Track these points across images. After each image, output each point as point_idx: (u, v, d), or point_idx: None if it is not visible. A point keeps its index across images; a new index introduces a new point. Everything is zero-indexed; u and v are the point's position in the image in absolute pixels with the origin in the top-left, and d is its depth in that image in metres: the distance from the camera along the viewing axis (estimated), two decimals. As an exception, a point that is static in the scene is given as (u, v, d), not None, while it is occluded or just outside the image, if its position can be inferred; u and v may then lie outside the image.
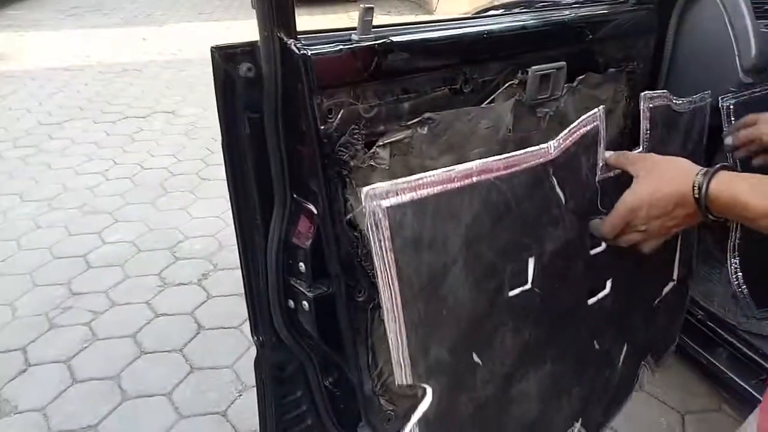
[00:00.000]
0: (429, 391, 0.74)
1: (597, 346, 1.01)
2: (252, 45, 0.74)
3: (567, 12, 1.15)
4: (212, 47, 0.73)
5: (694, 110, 1.08)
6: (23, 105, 4.74)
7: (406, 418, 0.74)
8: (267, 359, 0.95)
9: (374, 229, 0.64)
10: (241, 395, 1.85)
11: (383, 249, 0.65)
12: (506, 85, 0.96)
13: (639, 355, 1.18)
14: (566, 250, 0.86)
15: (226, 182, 0.83)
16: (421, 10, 8.63)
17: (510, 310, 0.81)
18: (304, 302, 0.86)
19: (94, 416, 1.76)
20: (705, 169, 0.77)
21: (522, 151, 0.77)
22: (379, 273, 0.65)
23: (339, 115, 0.76)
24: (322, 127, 0.75)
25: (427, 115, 0.85)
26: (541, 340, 0.88)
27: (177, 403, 1.81)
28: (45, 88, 5.22)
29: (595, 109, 0.86)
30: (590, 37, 1.10)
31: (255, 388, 1.83)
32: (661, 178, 0.80)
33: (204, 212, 3.00)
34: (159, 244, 2.72)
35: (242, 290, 2.42)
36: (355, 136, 0.77)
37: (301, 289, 0.86)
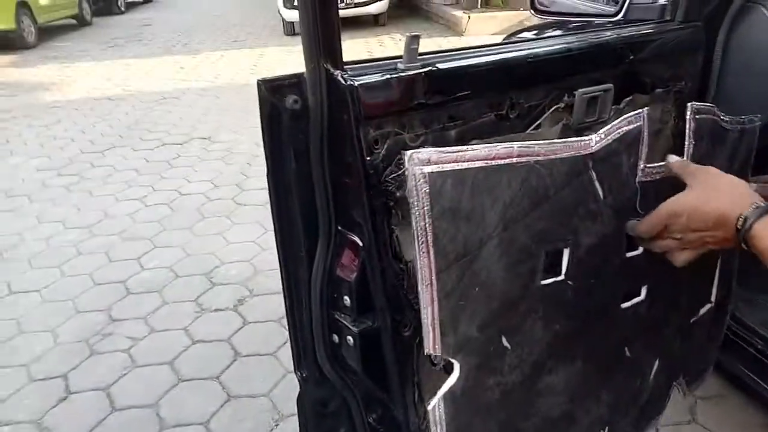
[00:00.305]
0: (456, 366, 0.76)
1: (628, 354, 1.00)
2: (298, 77, 0.73)
3: (610, 33, 1.12)
4: (259, 80, 0.73)
5: (743, 131, 1.05)
6: (67, 134, 4.92)
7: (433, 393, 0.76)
8: (310, 395, 0.93)
9: (414, 193, 0.66)
10: (277, 425, 1.82)
11: (422, 214, 0.67)
12: (552, 109, 0.93)
13: (671, 374, 1.15)
14: (602, 248, 0.86)
15: (270, 214, 0.83)
16: (450, 32, 8.67)
17: (542, 298, 0.82)
18: (349, 337, 0.84)
19: (133, 445, 1.76)
20: (759, 204, 0.75)
21: (563, 140, 0.78)
22: (415, 239, 0.68)
23: (385, 146, 0.75)
24: (368, 158, 0.73)
25: (474, 142, 0.83)
26: (571, 336, 0.88)
27: (214, 432, 1.80)
28: (88, 117, 5.41)
29: (640, 110, 0.85)
30: (636, 57, 1.07)
31: (291, 418, 1.83)
32: (713, 193, 0.79)
33: (240, 237, 3.03)
34: (196, 269, 2.74)
35: (277, 316, 2.41)
36: (401, 167, 0.76)
37: (346, 323, 0.84)
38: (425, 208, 0.68)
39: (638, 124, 0.85)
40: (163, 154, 4.36)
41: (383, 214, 0.76)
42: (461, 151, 0.70)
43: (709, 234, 0.79)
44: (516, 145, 0.74)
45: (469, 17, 8.33)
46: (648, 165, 0.89)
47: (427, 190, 0.68)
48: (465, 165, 0.70)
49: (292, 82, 0.73)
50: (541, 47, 0.96)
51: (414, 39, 0.74)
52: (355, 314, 0.82)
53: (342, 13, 9.67)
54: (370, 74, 0.73)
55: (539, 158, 0.76)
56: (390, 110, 0.74)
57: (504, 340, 0.80)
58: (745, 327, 1.37)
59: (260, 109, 0.74)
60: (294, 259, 0.84)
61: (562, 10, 1.61)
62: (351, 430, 0.97)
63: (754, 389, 1.37)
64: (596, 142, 0.81)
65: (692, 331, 1.15)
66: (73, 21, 11.38)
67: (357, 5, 8.94)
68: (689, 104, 0.91)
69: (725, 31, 1.26)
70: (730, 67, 1.28)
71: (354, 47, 7.97)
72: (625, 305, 0.95)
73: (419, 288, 0.71)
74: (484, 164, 0.72)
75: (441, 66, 0.78)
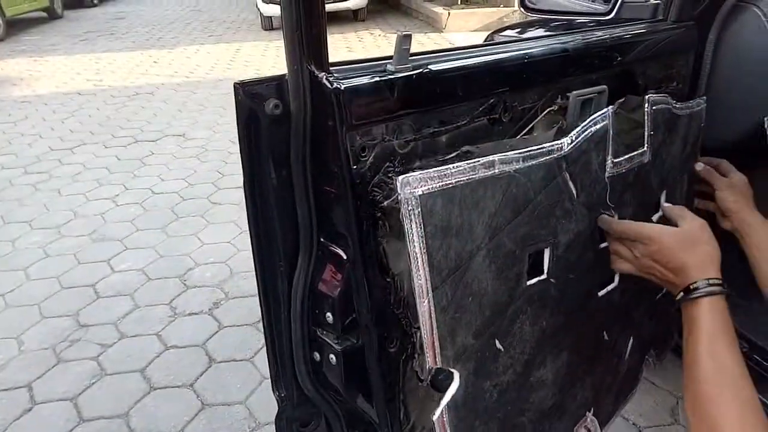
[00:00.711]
0: (456, 375, 0.78)
1: (606, 338, 1.06)
2: (279, 79, 0.68)
3: (603, 33, 1.09)
4: (236, 83, 0.66)
5: (691, 114, 1.12)
6: (35, 130, 4.75)
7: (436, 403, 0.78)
8: (289, 414, 0.87)
9: (408, 217, 0.67)
10: (254, 434, 1.76)
11: (416, 235, 0.68)
12: (545, 112, 0.89)
13: (643, 349, 1.22)
14: (578, 243, 0.91)
15: (248, 227, 0.77)
16: (430, 28, 8.64)
17: (528, 298, 0.85)
18: (331, 355, 0.80)
19: (101, 459, 1.68)
20: (716, 282, 0.81)
21: (538, 146, 0.80)
22: (411, 259, 0.69)
23: (373, 153, 0.69)
24: (355, 167, 0.68)
25: (465, 148, 0.79)
26: (557, 329, 0.92)
27: (188, 443, 1.73)
28: (57, 113, 5.24)
29: (605, 109, 0.89)
30: (630, 57, 1.04)
31: (267, 426, 1.76)
32: (691, 246, 0.85)
33: (215, 238, 2.94)
34: (169, 271, 2.65)
35: (253, 320, 2.34)
36: (390, 175, 0.71)
37: (328, 340, 0.79)
38: (419, 229, 0.68)
39: (605, 123, 0.89)
40: (136, 151, 4.24)
41: (369, 226, 0.71)
42: (447, 170, 0.71)
43: (662, 271, 0.86)
44: (497, 157, 0.75)
45: (449, 13, 8.30)
46: (615, 160, 0.93)
47: (420, 212, 0.68)
48: (452, 182, 0.71)
49: (273, 85, 0.67)
50: (536, 47, 0.91)
51: (405, 39, 0.68)
52: (338, 331, 0.77)
53: (320, 8, 9.73)
54: (358, 76, 0.67)
55: (518, 166, 0.78)
56: (379, 115, 0.69)
57: (497, 343, 0.82)
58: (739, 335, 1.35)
59: (237, 113, 0.68)
60: (272, 272, 0.79)
61: (553, 8, 1.57)
62: (333, 451, 0.92)
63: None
64: (568, 145, 0.84)
65: (658, 305, 1.20)
66: (44, 14, 11.06)
67: (336, 0, 8.84)
68: (646, 97, 0.96)
69: (716, 30, 1.23)
70: (720, 67, 1.26)
71: (333, 43, 7.88)
72: (601, 293, 1.00)
73: (417, 305, 0.71)
74: (469, 179, 0.73)
75: (434, 67, 0.73)
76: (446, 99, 0.76)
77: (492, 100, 0.81)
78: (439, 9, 8.60)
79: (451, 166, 0.71)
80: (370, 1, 9.80)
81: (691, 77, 1.23)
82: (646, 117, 0.97)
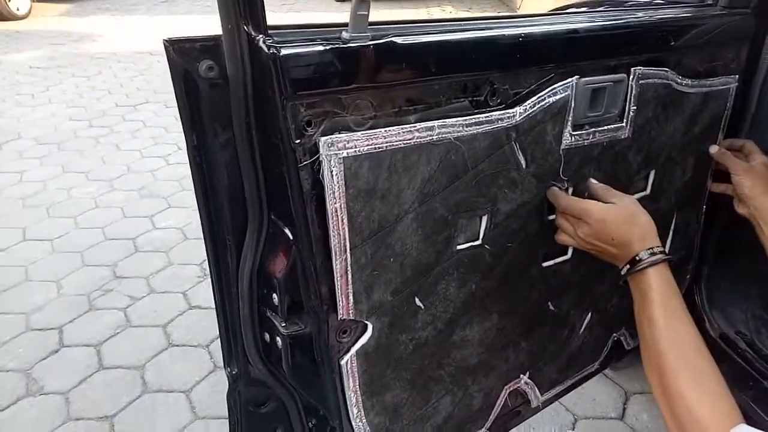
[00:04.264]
0: (369, 326, 0.77)
1: (552, 308, 1.03)
2: (215, 39, 0.62)
3: (640, 14, 0.97)
4: (165, 40, 0.62)
5: (709, 93, 1.04)
6: (105, 86, 4.96)
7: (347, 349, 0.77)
8: (241, 394, 0.85)
9: (329, 177, 0.65)
10: (259, 402, 1.77)
11: (336, 196, 0.66)
12: (540, 96, 0.80)
13: (609, 326, 1.19)
14: (522, 213, 0.88)
15: (195, 199, 0.73)
16: (504, 8, 8.32)
17: (457, 262, 0.84)
18: (278, 338, 0.76)
19: (113, 407, 1.75)
20: (657, 250, 0.82)
21: (486, 114, 0.76)
22: (330, 218, 0.66)
23: (321, 128, 0.63)
24: (298, 141, 0.62)
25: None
26: (488, 293, 0.91)
27: (195, 402, 1.77)
28: (128, 70, 5.44)
29: (569, 80, 0.84)
30: (666, 44, 0.92)
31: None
32: (630, 222, 0.84)
33: (254, 204, 2.97)
34: (206, 233, 2.71)
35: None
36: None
37: (276, 323, 0.75)
38: (340, 190, 0.66)
39: (565, 94, 0.84)
40: (194, 112, 4.34)
41: (316, 205, 0.66)
42: (378, 133, 0.67)
43: (604, 246, 0.86)
44: (437, 123, 0.71)
45: (525, -8, 7.96)
46: (573, 132, 0.87)
47: (342, 174, 0.65)
48: (383, 146, 0.67)
49: (206, 46, 0.62)
50: (541, 25, 0.82)
51: (362, 4, 0.61)
52: (284, 315, 0.74)
53: (393, -20, 9.29)
54: (303, 42, 0.61)
55: (460, 133, 0.74)
56: (326, 87, 0.62)
57: (417, 301, 0.81)
58: (760, 356, 1.22)
59: (171, 75, 0.63)
60: (223, 246, 0.75)
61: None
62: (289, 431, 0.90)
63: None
64: (520, 114, 0.80)
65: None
66: (130, -27, 11.49)
67: (410, -27, 8.65)
68: (633, 69, 0.90)
69: None
70: None
71: (400, 16, 7.75)
72: (546, 264, 0.98)
73: (333, 261, 0.69)
74: (403, 145, 0.69)
75: (398, 40, 0.66)
76: (412, 76, 0.68)
77: (474, 80, 0.73)
78: (515, -13, 8.26)
79: (383, 129, 0.67)
80: (446, -24, 9.53)
81: (744, 72, 1.09)
82: (629, 92, 0.90)
